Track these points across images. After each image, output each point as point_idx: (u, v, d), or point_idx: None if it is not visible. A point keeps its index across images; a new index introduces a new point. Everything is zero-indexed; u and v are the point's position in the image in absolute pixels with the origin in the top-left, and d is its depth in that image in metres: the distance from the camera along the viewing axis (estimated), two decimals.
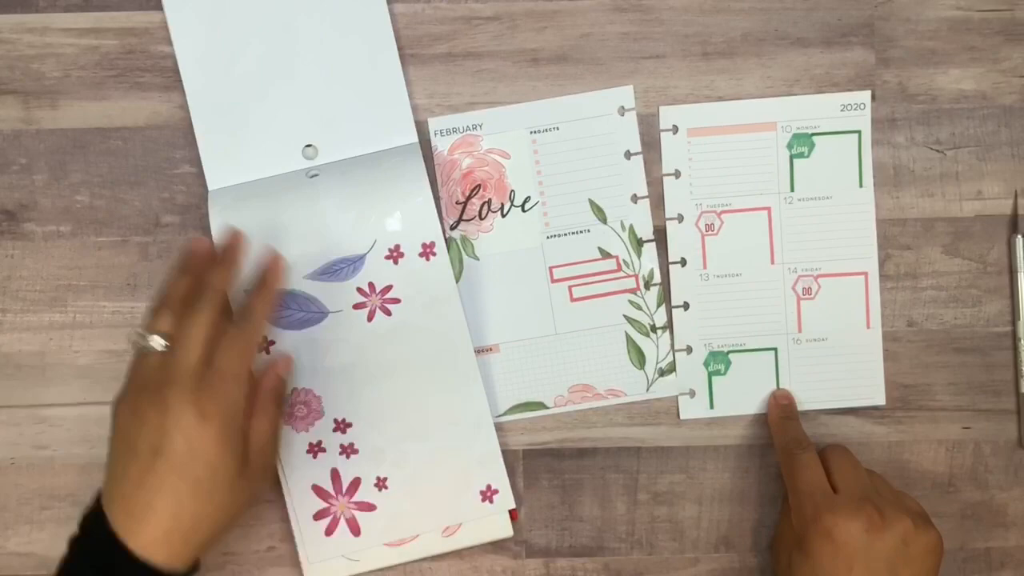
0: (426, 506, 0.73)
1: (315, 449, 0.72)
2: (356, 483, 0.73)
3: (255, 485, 0.65)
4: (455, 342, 0.72)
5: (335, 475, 0.72)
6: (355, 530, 0.73)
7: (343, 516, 0.73)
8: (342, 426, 0.72)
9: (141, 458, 0.59)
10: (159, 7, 0.73)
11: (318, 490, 0.72)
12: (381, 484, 0.73)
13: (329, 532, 0.72)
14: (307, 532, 0.72)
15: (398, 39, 0.73)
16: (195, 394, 0.60)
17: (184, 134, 0.73)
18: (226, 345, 0.62)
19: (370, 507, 0.73)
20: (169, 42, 0.73)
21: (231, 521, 0.63)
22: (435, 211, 0.71)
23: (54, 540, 0.74)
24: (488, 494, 0.73)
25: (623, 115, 0.73)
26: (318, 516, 0.72)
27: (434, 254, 0.71)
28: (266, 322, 0.67)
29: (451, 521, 0.73)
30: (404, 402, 0.72)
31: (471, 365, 0.73)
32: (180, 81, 0.73)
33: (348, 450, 0.72)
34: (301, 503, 0.72)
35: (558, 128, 0.73)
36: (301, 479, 0.73)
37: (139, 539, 0.58)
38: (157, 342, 0.61)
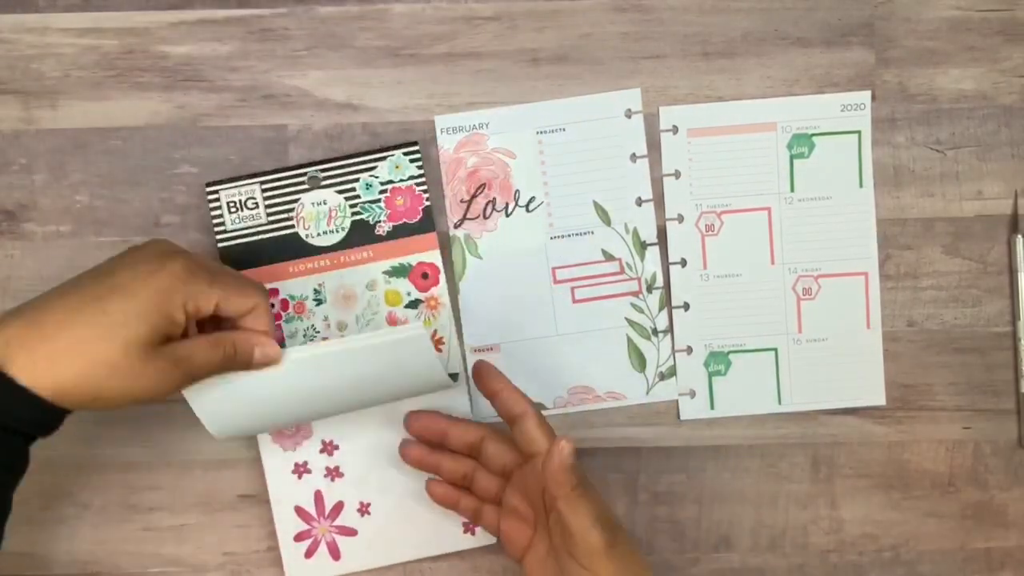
0: (408, 535, 0.73)
1: (300, 470, 0.72)
2: (339, 507, 0.73)
3: (149, 381, 0.59)
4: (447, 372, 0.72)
5: (318, 497, 0.72)
6: (335, 554, 0.73)
7: (324, 539, 0.73)
8: (329, 447, 0.72)
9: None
10: (159, 7, 0.73)
11: (300, 511, 0.72)
12: (364, 509, 0.73)
13: (309, 554, 0.73)
14: (288, 552, 0.73)
15: (399, 39, 0.73)
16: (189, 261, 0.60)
17: (184, 134, 0.73)
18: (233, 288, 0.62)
19: (351, 532, 0.73)
20: (168, 42, 0.73)
21: (107, 391, 0.59)
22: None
23: (54, 540, 0.74)
24: (471, 526, 0.73)
25: (630, 118, 0.73)
26: (299, 537, 0.73)
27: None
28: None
29: (431, 552, 0.73)
30: (392, 427, 0.72)
31: (462, 399, 0.73)
32: (180, 81, 0.73)
33: (333, 473, 0.72)
34: (283, 523, 0.73)
35: (564, 129, 0.73)
36: (285, 499, 0.73)
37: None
38: None
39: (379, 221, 0.72)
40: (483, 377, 0.68)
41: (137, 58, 0.73)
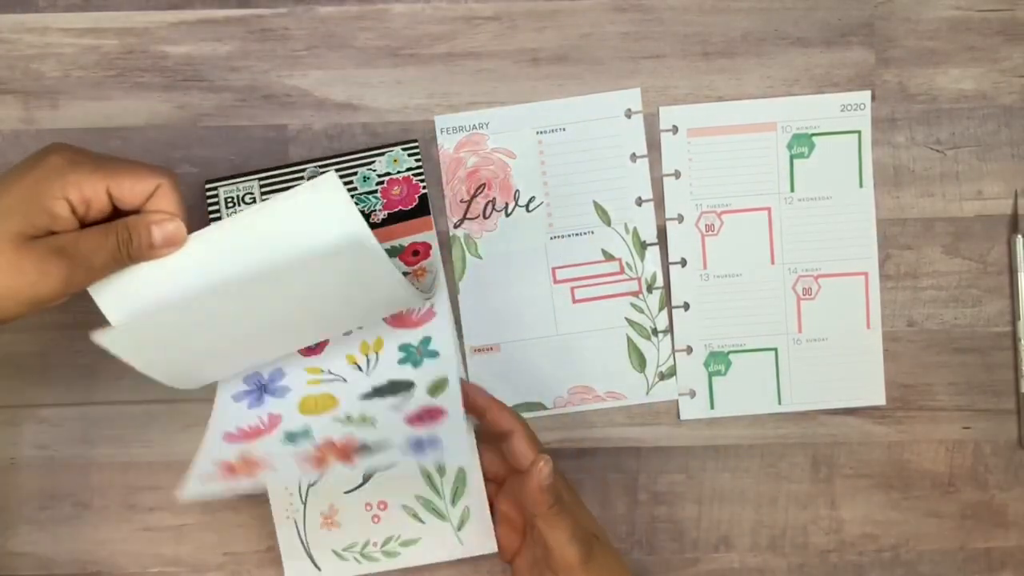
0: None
1: None
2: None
3: (30, 275, 0.56)
4: None
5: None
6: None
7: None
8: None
9: None
10: (159, 7, 0.73)
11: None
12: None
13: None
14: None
15: (399, 39, 0.73)
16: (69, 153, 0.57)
17: (184, 134, 0.73)
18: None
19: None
20: (168, 42, 0.73)
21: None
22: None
23: (54, 540, 0.74)
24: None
25: (630, 118, 0.73)
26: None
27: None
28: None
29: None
30: None
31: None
32: (180, 81, 0.73)
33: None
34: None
35: (564, 129, 0.73)
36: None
37: None
38: None
39: (374, 210, 0.72)
40: (469, 397, 0.68)
41: (137, 58, 0.73)
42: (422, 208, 0.72)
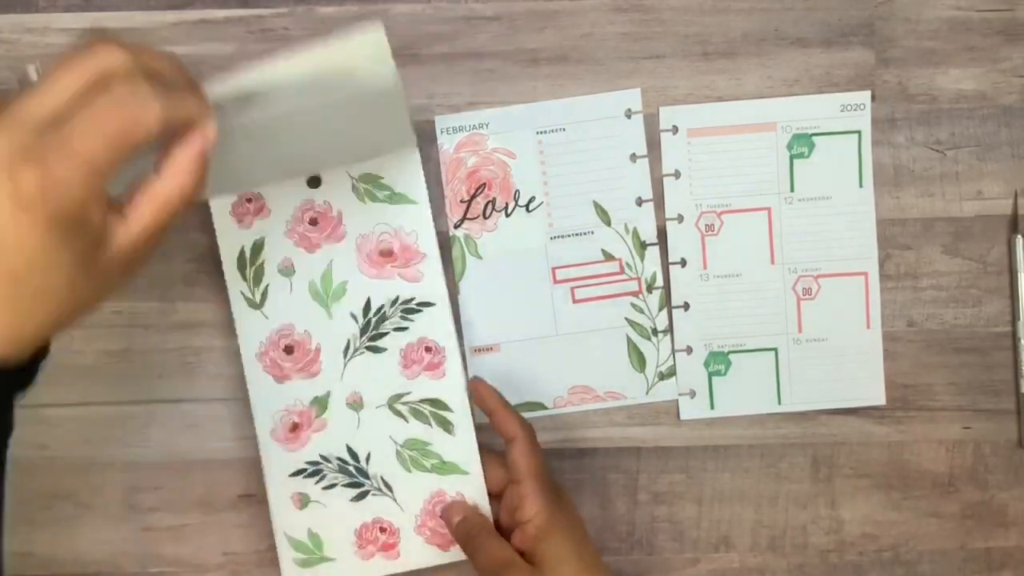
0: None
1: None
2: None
3: (105, 285, 0.50)
4: None
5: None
6: None
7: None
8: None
9: None
10: (159, 7, 0.73)
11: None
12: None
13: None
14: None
15: (399, 39, 0.73)
16: (16, 165, 0.44)
17: None
18: (97, 111, 0.46)
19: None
20: (168, 42, 0.73)
21: (65, 317, 0.49)
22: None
23: (54, 540, 0.74)
24: None
25: (630, 118, 0.73)
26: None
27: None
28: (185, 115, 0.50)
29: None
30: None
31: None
32: None
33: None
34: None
35: (564, 129, 0.73)
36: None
37: None
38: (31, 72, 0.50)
39: None
40: (478, 397, 0.70)
41: None
42: None
